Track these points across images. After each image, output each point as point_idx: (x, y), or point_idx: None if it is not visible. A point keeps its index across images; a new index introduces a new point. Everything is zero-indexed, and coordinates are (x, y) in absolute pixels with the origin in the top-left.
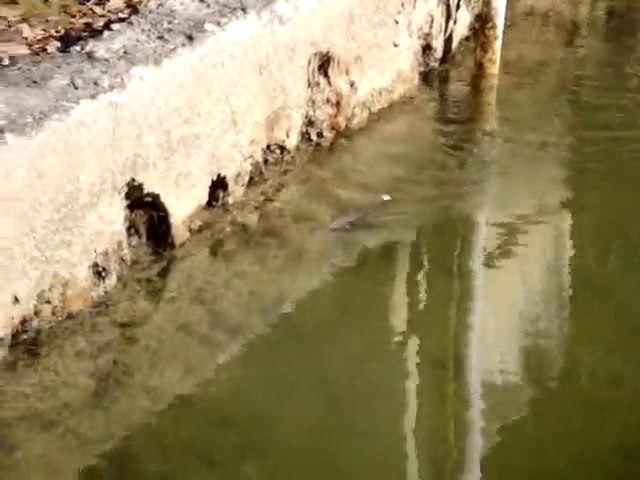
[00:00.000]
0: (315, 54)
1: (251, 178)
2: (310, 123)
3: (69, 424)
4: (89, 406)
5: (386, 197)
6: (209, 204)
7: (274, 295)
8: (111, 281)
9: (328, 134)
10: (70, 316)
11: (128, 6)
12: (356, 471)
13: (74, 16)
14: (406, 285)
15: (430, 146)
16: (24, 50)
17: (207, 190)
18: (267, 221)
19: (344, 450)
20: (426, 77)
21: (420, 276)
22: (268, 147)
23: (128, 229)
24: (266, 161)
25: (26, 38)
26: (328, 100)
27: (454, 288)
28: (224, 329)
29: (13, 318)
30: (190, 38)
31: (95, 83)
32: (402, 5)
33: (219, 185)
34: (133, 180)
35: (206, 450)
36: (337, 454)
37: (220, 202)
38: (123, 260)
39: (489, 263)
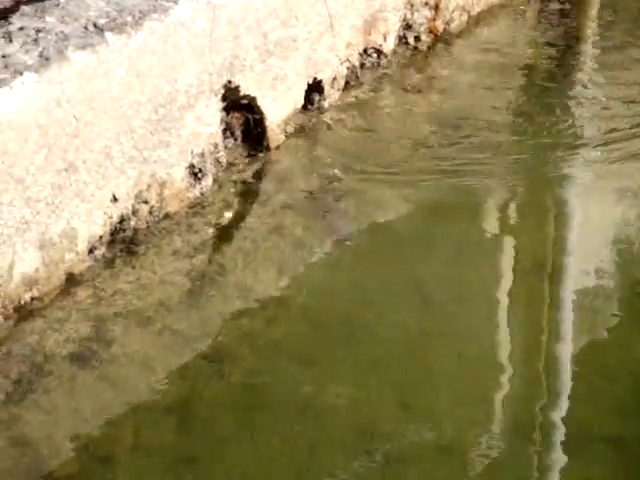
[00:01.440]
0: None
1: (347, 82)
2: (408, 26)
3: (165, 321)
4: (185, 304)
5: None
6: (305, 107)
7: (369, 199)
8: (207, 182)
9: (426, 38)
10: (167, 216)
11: None
12: (447, 373)
13: None
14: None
15: (529, 53)
16: None
17: (303, 93)
18: (361, 124)
19: (436, 352)
20: None
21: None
22: (365, 51)
23: (224, 131)
24: (362, 65)
25: None
26: (426, 3)
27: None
28: (318, 232)
29: (112, 217)
30: None
31: None
32: None
33: (315, 88)
34: (230, 82)
35: (299, 350)
36: (429, 355)
37: (316, 105)
38: (219, 162)
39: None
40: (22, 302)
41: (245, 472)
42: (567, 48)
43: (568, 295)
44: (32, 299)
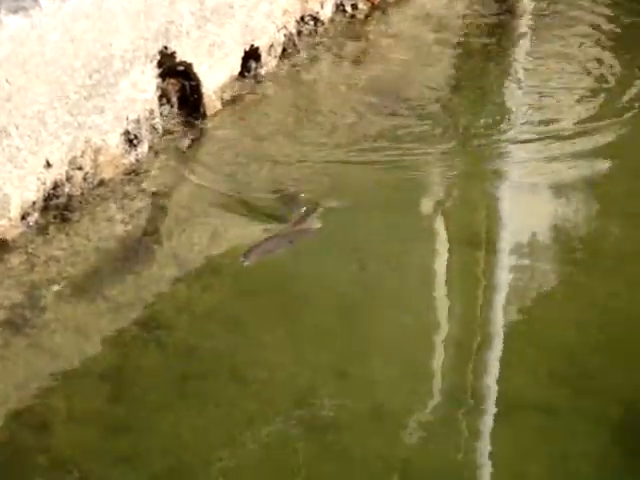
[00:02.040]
0: None
1: (284, 50)
2: None
3: (99, 289)
4: (119, 272)
5: (315, 226)
6: (242, 75)
7: (304, 166)
8: (142, 149)
9: (363, 6)
10: (101, 183)
11: None
12: (383, 341)
13: None
14: None
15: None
16: None
17: (240, 61)
18: (299, 92)
19: (373, 314)
20: None
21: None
22: (302, 18)
23: (160, 98)
24: (300, 32)
25: None
26: None
27: None
28: (253, 201)
29: (45, 183)
30: None
31: None
32: None
33: (252, 56)
34: (166, 48)
35: (234, 318)
36: (365, 323)
37: (252, 73)
38: (154, 129)
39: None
40: None
41: (180, 440)
42: (505, 21)
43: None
44: None
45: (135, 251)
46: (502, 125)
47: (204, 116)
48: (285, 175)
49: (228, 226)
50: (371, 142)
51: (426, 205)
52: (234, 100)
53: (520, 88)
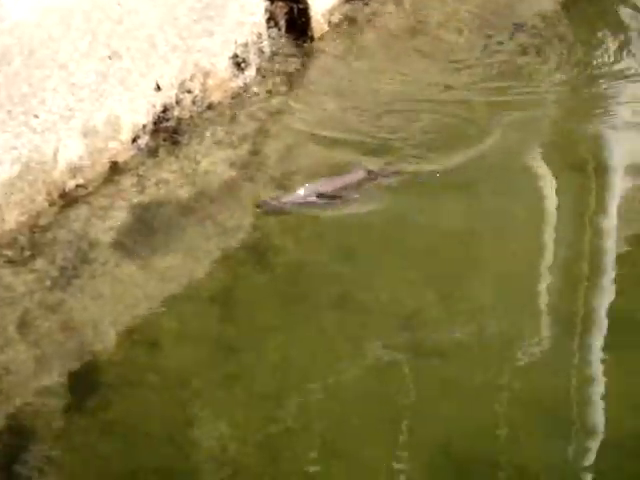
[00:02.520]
0: None
1: None
2: None
3: (208, 211)
4: (227, 195)
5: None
6: None
7: (408, 92)
8: (250, 73)
9: None
10: (210, 106)
11: None
12: (491, 268)
13: None
14: None
15: None
16: None
17: None
18: (408, 17)
19: (480, 241)
20: None
21: None
22: None
23: (268, 20)
24: None
25: None
26: None
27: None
28: (357, 123)
29: (155, 106)
30: None
31: None
32: None
33: None
34: None
35: (342, 243)
36: (473, 245)
37: None
38: (262, 52)
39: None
40: (67, 189)
41: (286, 361)
42: None
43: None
44: (77, 186)
45: (243, 174)
46: (618, 58)
47: (312, 39)
48: (389, 101)
49: (331, 153)
50: (483, 70)
51: (536, 140)
52: (342, 22)
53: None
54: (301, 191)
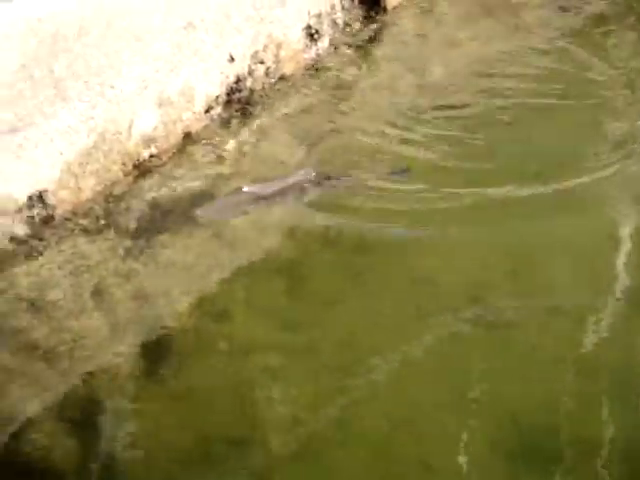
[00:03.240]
0: None
1: None
2: None
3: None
4: (301, 166)
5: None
6: None
7: (485, 64)
8: (323, 44)
9: None
10: (282, 77)
11: None
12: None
13: None
14: None
15: None
16: None
17: None
18: None
19: (550, 215)
20: None
21: None
22: None
23: None
24: None
25: None
26: None
27: None
28: (431, 94)
29: (228, 77)
30: None
31: None
32: None
33: None
34: None
35: (410, 218)
36: (541, 219)
37: None
38: (335, 23)
39: None
40: (141, 159)
41: (354, 335)
42: None
43: None
44: (150, 156)
45: (316, 146)
46: None
47: (384, 10)
48: (462, 74)
49: (401, 124)
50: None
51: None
52: None
53: None
54: (238, 196)
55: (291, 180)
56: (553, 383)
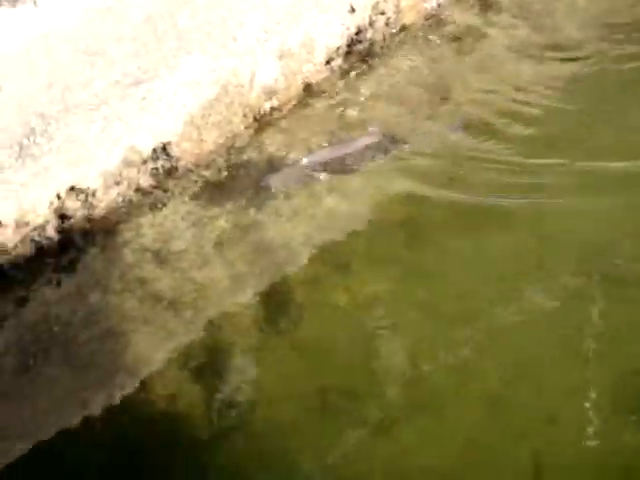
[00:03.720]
0: None
1: None
2: None
3: (400, 133)
4: (421, 117)
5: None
6: None
7: (608, 12)
8: None
9: None
10: (403, 28)
11: None
12: None
13: None
14: None
15: None
16: None
17: None
18: None
19: None
20: None
21: None
22: None
23: None
24: None
25: None
26: None
27: None
28: (557, 45)
29: (349, 28)
30: None
31: None
32: None
33: None
34: None
35: (530, 171)
36: None
37: None
38: None
39: None
40: (262, 111)
41: (472, 287)
42: None
43: None
44: (271, 109)
45: (436, 98)
46: None
47: None
48: (586, 21)
49: (527, 73)
50: None
51: None
52: None
53: None
54: (303, 162)
55: (358, 144)
56: None
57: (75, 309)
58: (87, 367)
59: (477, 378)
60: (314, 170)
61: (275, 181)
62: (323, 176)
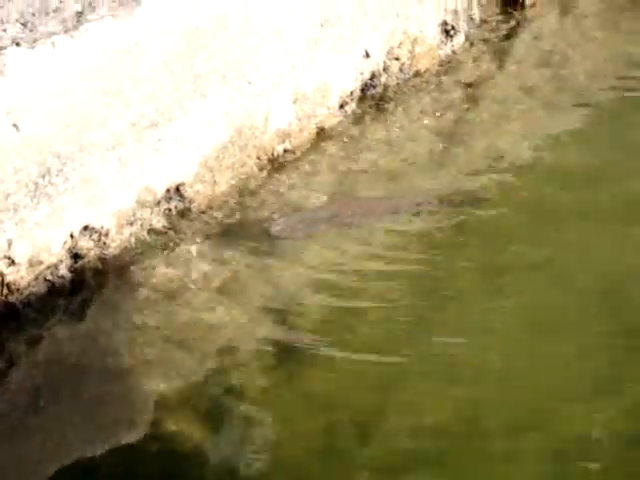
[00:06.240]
0: None
1: None
2: None
3: (413, 179)
4: (431, 162)
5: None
6: None
7: (624, 61)
8: (459, 40)
9: None
10: (417, 73)
11: None
12: None
13: None
14: None
15: None
16: None
17: None
18: None
19: None
20: None
21: None
22: None
23: None
24: None
25: None
26: None
27: None
28: (569, 94)
29: (363, 73)
30: None
31: None
32: None
33: None
34: None
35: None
36: None
37: None
38: (472, 19)
39: None
40: (275, 154)
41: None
42: None
43: None
44: (285, 151)
45: (448, 143)
46: None
47: (522, 6)
48: (601, 75)
49: (541, 119)
50: None
51: None
52: None
53: None
54: (314, 214)
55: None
56: None
57: (86, 349)
58: (96, 407)
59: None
60: (323, 220)
61: (283, 228)
62: (331, 226)
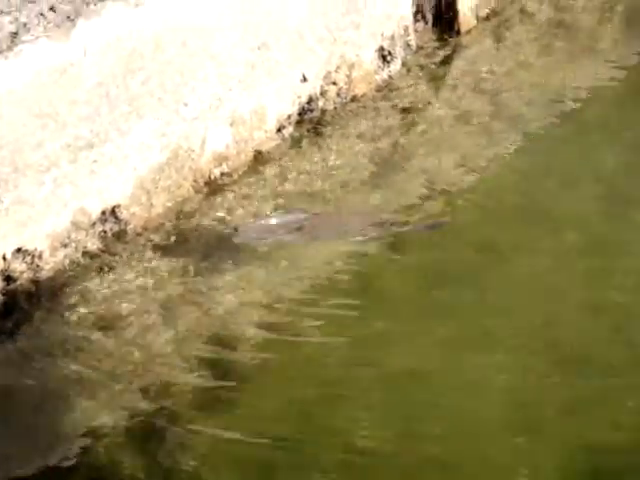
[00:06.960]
0: None
1: None
2: None
3: (348, 203)
4: (367, 186)
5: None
6: None
7: (557, 88)
8: (395, 66)
9: None
10: (354, 98)
11: None
12: None
13: None
14: None
15: None
16: None
17: None
18: (557, 11)
19: None
20: None
21: None
22: None
23: (415, 14)
24: None
25: None
26: None
27: None
28: (504, 119)
29: (300, 97)
30: None
31: None
32: None
33: None
34: None
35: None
36: None
37: None
38: (408, 45)
39: None
40: (212, 177)
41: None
42: None
43: None
44: (222, 174)
45: (384, 168)
46: None
47: (458, 33)
48: (533, 100)
49: (476, 145)
50: None
51: None
52: (490, 16)
53: None
54: (278, 219)
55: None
56: None
57: (17, 373)
58: (25, 432)
59: None
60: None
61: (247, 233)
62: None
